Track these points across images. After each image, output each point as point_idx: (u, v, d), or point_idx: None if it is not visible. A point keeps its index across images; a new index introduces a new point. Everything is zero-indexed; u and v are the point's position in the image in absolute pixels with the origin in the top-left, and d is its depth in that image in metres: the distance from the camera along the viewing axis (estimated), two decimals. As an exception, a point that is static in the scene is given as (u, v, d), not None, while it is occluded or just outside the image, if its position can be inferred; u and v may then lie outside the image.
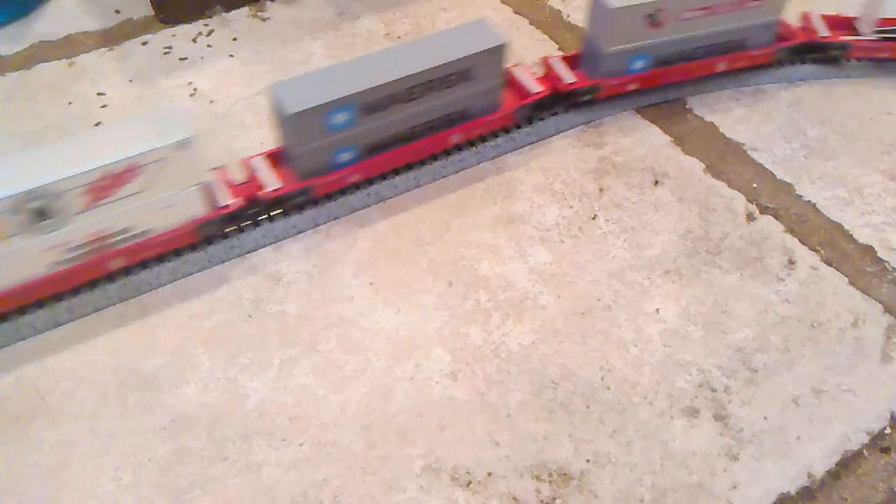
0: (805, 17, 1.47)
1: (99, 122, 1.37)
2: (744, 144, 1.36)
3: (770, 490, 0.92)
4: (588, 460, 0.94)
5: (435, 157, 1.27)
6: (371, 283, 1.12)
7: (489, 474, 0.92)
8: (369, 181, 1.23)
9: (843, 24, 1.48)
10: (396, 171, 1.22)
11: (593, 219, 1.22)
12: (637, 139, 1.36)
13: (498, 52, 1.17)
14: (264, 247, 1.17)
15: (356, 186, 1.22)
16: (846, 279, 1.15)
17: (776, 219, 1.23)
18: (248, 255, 1.16)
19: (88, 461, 0.93)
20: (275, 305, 1.09)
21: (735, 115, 1.42)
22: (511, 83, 1.30)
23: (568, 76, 1.31)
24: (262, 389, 1.00)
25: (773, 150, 1.35)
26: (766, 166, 1.32)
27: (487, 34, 1.18)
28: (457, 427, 0.97)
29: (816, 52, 1.45)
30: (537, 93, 1.27)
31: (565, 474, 0.93)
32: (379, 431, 0.96)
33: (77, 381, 1.00)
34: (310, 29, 1.59)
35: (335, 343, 1.05)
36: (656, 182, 1.29)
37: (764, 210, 1.25)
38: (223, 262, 1.15)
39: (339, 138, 1.12)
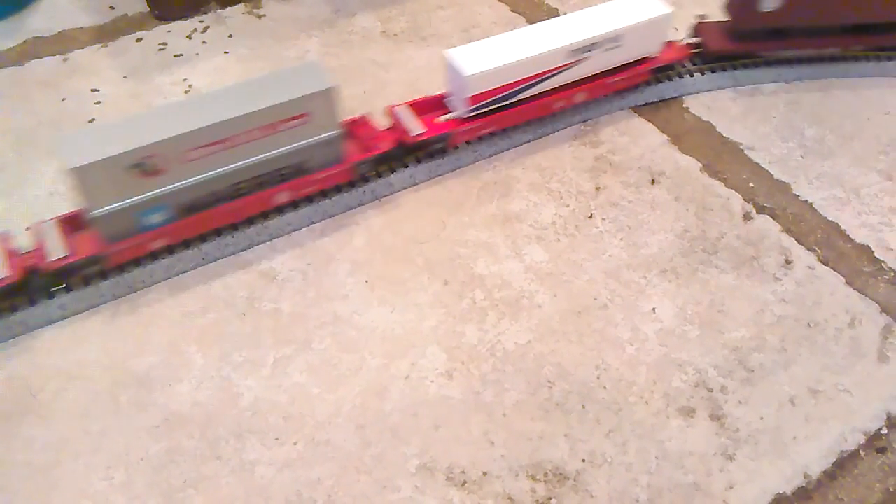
0: (392, 114, 1.23)
1: (93, 119, 1.36)
2: (741, 144, 1.36)
3: (766, 490, 0.92)
4: (584, 460, 0.93)
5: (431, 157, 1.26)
6: (366, 282, 1.12)
7: (484, 474, 0.92)
8: (365, 179, 1.22)
9: (436, 104, 1.26)
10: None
11: (590, 217, 1.22)
12: (634, 138, 1.36)
13: None
14: (258, 244, 1.16)
15: (351, 184, 1.21)
16: (843, 279, 1.15)
17: (773, 218, 1.23)
18: (243, 252, 1.15)
19: (80, 460, 0.92)
20: (269, 303, 1.08)
21: (732, 114, 1.41)
22: None
23: (57, 251, 1.02)
24: (255, 388, 0.99)
25: (770, 149, 1.35)
26: (763, 166, 1.32)
27: None
28: (452, 426, 0.96)
29: (416, 150, 1.23)
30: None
31: (561, 474, 0.92)
32: (373, 430, 0.95)
33: (69, 380, 0.99)
34: (306, 26, 1.58)
35: (330, 341, 1.04)
36: (653, 181, 1.28)
37: (761, 209, 1.24)
38: (217, 259, 1.14)
39: None
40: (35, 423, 0.95)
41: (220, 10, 1.61)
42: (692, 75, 1.42)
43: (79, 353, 1.02)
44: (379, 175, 1.22)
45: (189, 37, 1.55)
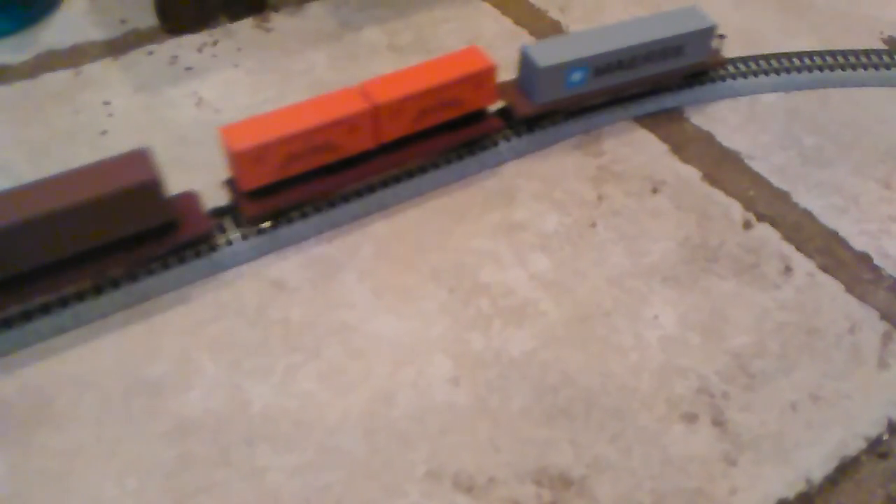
0: None
1: (105, 131, 1.39)
2: (740, 153, 1.38)
3: (768, 495, 0.93)
4: (588, 465, 0.95)
5: (436, 165, 1.29)
6: (373, 290, 1.14)
7: (490, 479, 0.93)
8: (370, 188, 1.25)
9: None
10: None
11: (592, 226, 1.24)
12: (635, 148, 1.38)
13: None
14: (268, 254, 1.18)
15: (358, 193, 1.24)
16: (843, 286, 1.16)
17: (773, 226, 1.25)
18: (253, 262, 1.17)
19: (93, 467, 0.94)
20: (278, 312, 1.10)
21: (731, 123, 1.43)
22: None
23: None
24: (266, 395, 1.01)
25: (770, 158, 1.37)
26: (763, 175, 1.34)
27: None
28: (458, 432, 0.98)
29: None
30: None
31: (566, 479, 0.94)
32: (381, 436, 0.97)
33: (82, 387, 1.01)
34: (313, 40, 1.61)
35: (338, 349, 1.06)
36: (654, 190, 1.30)
37: (761, 218, 1.26)
38: (228, 268, 1.16)
39: None
40: (49, 431, 0.97)
41: (229, 25, 1.64)
42: None
43: (92, 362, 1.04)
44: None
45: (199, 50, 1.58)
